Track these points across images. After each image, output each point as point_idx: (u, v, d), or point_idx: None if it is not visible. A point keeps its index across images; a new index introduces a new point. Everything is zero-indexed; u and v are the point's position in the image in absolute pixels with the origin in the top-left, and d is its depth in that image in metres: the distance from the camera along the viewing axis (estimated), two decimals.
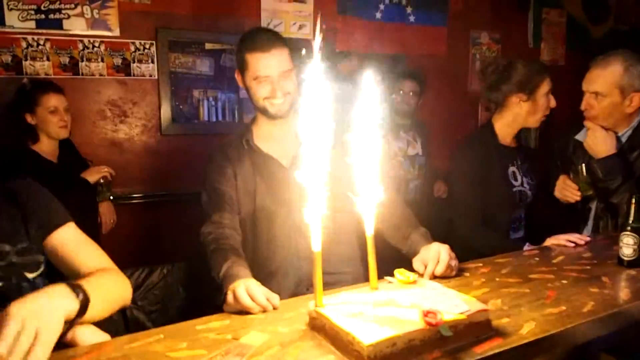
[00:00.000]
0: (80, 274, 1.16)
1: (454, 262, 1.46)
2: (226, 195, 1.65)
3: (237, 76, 1.70)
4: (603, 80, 1.94)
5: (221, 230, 1.58)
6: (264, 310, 1.22)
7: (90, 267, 1.19)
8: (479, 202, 1.99)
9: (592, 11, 4.67)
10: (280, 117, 1.64)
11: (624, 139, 2.03)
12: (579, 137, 2.10)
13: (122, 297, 1.21)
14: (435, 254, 1.44)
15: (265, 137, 1.70)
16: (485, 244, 1.90)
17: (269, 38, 1.60)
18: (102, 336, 1.09)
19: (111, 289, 1.17)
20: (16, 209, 1.21)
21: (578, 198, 2.03)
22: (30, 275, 1.18)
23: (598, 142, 1.97)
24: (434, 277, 1.41)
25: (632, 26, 4.85)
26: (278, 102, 1.61)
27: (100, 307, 1.08)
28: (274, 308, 1.24)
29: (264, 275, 1.57)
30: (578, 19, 4.59)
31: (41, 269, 1.20)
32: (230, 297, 1.25)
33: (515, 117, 2.07)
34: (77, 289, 1.02)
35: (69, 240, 1.23)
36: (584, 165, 1.99)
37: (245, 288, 1.24)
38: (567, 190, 2.05)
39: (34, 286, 1.17)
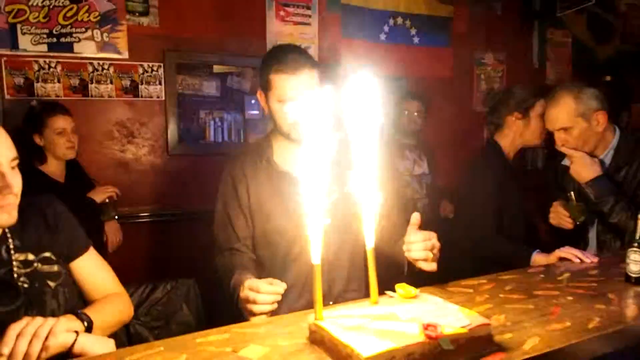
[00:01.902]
0: (92, 295, 1.36)
1: (436, 250, 1.42)
2: (239, 221, 1.62)
3: (260, 96, 1.61)
4: (562, 116, 2.04)
5: (230, 256, 1.60)
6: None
7: (102, 291, 1.37)
8: (495, 213, 2.12)
9: (597, 32, 4.69)
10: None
11: (607, 160, 2.09)
12: (565, 162, 2.15)
13: (122, 320, 1.37)
14: (428, 234, 1.41)
15: (285, 155, 1.63)
16: (498, 250, 2.05)
17: (298, 58, 1.49)
18: (107, 342, 1.15)
19: (113, 313, 1.32)
20: (43, 222, 1.30)
21: (571, 226, 2.07)
22: (52, 284, 1.26)
23: (582, 167, 2.03)
24: (420, 269, 1.41)
25: (638, 47, 4.87)
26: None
27: (102, 329, 1.24)
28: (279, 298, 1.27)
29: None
30: (583, 39, 4.62)
31: (62, 279, 1.29)
32: (243, 304, 1.30)
33: (514, 135, 2.27)
34: (83, 315, 1.20)
35: (88, 267, 1.37)
36: (572, 192, 2.05)
37: (248, 287, 1.28)
38: (560, 217, 2.10)
39: (55, 293, 1.25)
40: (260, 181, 1.61)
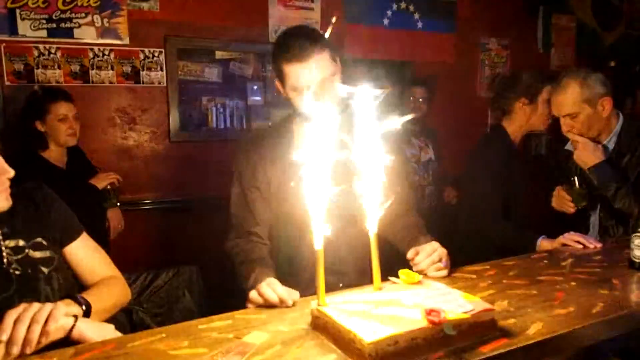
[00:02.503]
0: (88, 279, 1.34)
1: (445, 262, 1.45)
2: (256, 204, 1.59)
3: (277, 85, 1.60)
4: (568, 102, 2.04)
5: (247, 242, 1.56)
6: (283, 304, 1.26)
7: (97, 275, 1.36)
8: (501, 197, 2.12)
9: (603, 17, 4.63)
10: None
11: (610, 146, 2.09)
12: (569, 146, 2.16)
13: (120, 302, 1.36)
14: (431, 248, 1.43)
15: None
16: (502, 235, 2.05)
17: (305, 44, 1.44)
18: (106, 327, 1.14)
19: (110, 296, 1.32)
20: (32, 207, 1.28)
21: (573, 210, 2.08)
22: (45, 269, 1.24)
23: (586, 152, 2.04)
24: (425, 274, 1.42)
25: None
26: None
27: (100, 312, 1.23)
28: (293, 304, 1.26)
29: (296, 267, 1.58)
30: (588, 24, 4.56)
31: (55, 264, 1.27)
32: (253, 294, 1.29)
33: (520, 120, 2.27)
34: (80, 299, 1.19)
35: (82, 251, 1.36)
36: (576, 177, 2.05)
37: (267, 284, 1.29)
38: (562, 202, 2.11)
39: (49, 279, 1.24)
40: (278, 166, 1.58)
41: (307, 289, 1.40)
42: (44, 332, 1.02)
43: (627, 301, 1.28)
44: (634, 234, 1.52)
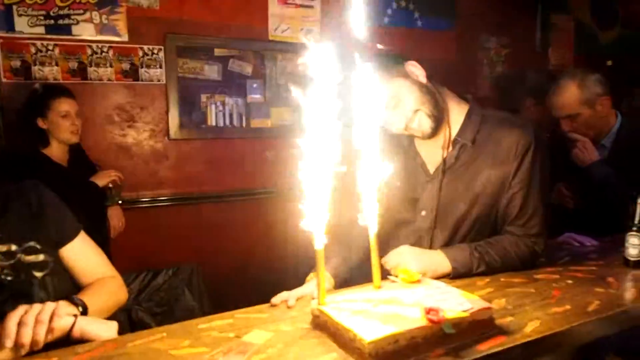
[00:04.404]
0: (84, 280, 1.32)
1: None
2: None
3: None
4: (567, 104, 2.09)
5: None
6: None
7: (94, 275, 1.34)
8: None
9: (600, 17, 4.64)
10: (428, 137, 1.54)
11: (608, 144, 2.13)
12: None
13: (117, 303, 1.35)
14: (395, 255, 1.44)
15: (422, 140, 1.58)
16: None
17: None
18: (108, 324, 1.14)
19: (107, 296, 1.31)
20: (27, 209, 1.26)
21: (572, 206, 2.15)
22: (38, 274, 1.22)
23: (583, 151, 2.08)
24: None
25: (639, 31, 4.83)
26: (413, 132, 1.53)
27: (97, 313, 1.21)
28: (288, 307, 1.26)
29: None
30: (586, 24, 4.58)
31: (49, 268, 1.25)
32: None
33: (529, 119, 2.34)
34: (77, 300, 1.18)
35: (79, 252, 1.34)
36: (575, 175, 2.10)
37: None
38: (562, 197, 2.17)
39: (43, 283, 1.22)
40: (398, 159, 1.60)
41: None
42: (49, 330, 1.03)
43: (622, 299, 1.30)
44: (628, 233, 1.54)
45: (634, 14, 4.78)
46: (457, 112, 1.55)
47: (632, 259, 1.53)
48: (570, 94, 2.06)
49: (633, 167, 2.03)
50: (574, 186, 2.14)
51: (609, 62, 4.65)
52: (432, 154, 1.57)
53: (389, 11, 3.66)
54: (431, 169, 1.57)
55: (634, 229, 1.52)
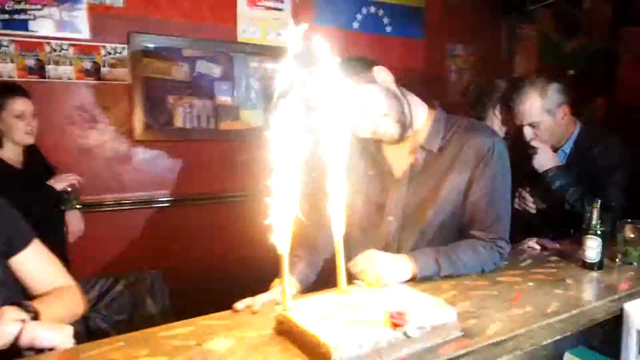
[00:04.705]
0: (37, 290, 1.26)
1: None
2: None
3: None
4: (530, 112, 2.15)
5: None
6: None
7: (48, 285, 1.28)
8: None
9: (563, 27, 4.79)
10: (395, 143, 1.56)
11: (567, 151, 2.21)
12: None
13: (72, 314, 1.28)
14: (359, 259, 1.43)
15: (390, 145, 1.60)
16: None
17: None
18: (62, 329, 1.08)
19: (61, 306, 1.25)
20: None
21: (534, 211, 2.20)
22: None
23: (544, 157, 2.14)
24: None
25: (600, 42, 5.00)
26: (380, 137, 1.54)
27: (50, 322, 1.14)
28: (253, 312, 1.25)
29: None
30: (549, 34, 4.71)
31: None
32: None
33: (498, 126, 2.37)
34: (28, 307, 1.11)
35: (31, 261, 1.28)
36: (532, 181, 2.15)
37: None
38: (524, 202, 2.22)
39: None
40: (359, 164, 1.64)
41: None
42: None
43: (580, 300, 1.32)
44: (585, 236, 1.58)
45: (595, 25, 4.95)
46: (423, 118, 1.58)
47: (589, 261, 1.57)
48: (532, 103, 2.13)
49: (590, 172, 2.10)
50: (536, 191, 2.20)
51: (571, 71, 4.80)
52: (399, 159, 1.59)
53: (359, 17, 3.67)
54: (397, 174, 1.58)
55: (591, 232, 1.56)
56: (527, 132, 2.18)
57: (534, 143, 2.17)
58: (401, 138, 1.53)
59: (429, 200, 1.53)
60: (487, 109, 2.36)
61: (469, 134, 1.53)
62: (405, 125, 1.51)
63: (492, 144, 1.51)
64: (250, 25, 3.24)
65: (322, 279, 1.43)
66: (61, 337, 1.07)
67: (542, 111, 2.13)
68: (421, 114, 1.58)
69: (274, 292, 1.31)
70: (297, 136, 1.04)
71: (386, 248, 1.53)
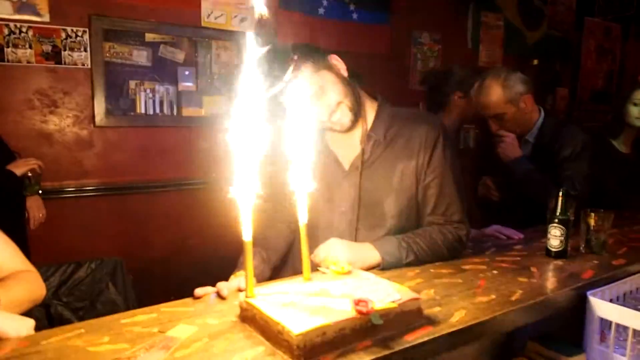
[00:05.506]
0: None
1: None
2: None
3: None
4: (493, 104, 2.17)
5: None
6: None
7: (5, 270, 1.24)
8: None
9: (528, 17, 4.87)
10: (345, 131, 1.55)
11: (531, 140, 2.23)
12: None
13: (32, 298, 1.25)
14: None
15: (336, 136, 1.59)
16: None
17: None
18: (24, 320, 1.05)
19: (21, 291, 1.22)
20: None
21: (497, 199, 2.24)
22: None
23: (508, 147, 2.17)
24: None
25: (564, 33, 5.12)
26: (333, 125, 1.52)
27: (9, 307, 1.11)
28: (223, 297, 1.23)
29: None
30: (514, 23, 4.78)
31: None
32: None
33: (456, 114, 2.42)
34: None
35: None
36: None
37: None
38: (488, 191, 2.26)
39: None
40: None
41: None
42: None
43: (543, 288, 1.35)
44: (550, 225, 1.61)
45: (558, 15, 5.06)
46: (369, 108, 1.60)
47: (553, 249, 1.61)
48: (495, 94, 2.15)
49: (554, 161, 2.14)
50: (499, 180, 2.23)
51: (535, 62, 4.90)
52: (346, 150, 1.59)
53: (325, 2, 3.63)
54: (346, 165, 1.58)
55: (556, 220, 1.59)
56: (493, 125, 2.21)
57: (501, 132, 2.19)
58: (352, 126, 1.54)
59: (382, 191, 1.54)
60: (447, 95, 2.38)
61: (413, 122, 1.56)
62: (357, 114, 1.53)
63: (437, 130, 1.54)
64: (215, 9, 3.17)
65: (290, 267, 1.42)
66: (20, 327, 1.03)
67: (505, 102, 2.15)
68: (367, 104, 1.60)
69: (237, 280, 1.29)
70: (257, 125, 1.02)
71: None
